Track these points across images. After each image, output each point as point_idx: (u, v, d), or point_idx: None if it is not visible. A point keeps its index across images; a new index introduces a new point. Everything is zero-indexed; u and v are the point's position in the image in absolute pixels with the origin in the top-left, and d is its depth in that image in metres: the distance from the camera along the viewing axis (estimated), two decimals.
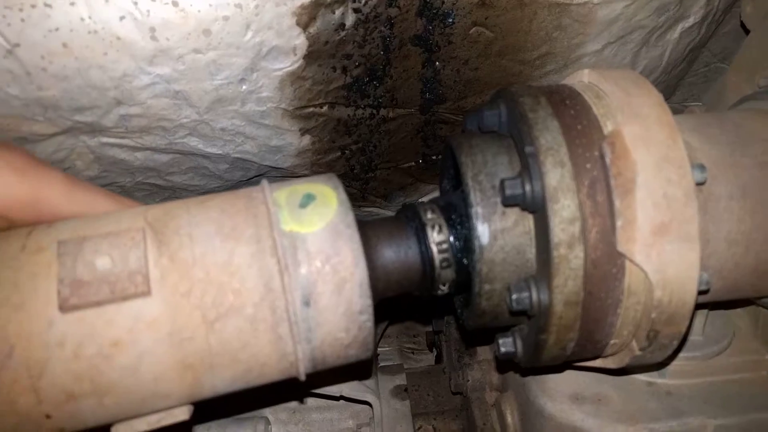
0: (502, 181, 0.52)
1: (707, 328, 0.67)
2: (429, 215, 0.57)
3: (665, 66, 0.89)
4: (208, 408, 0.53)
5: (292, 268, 0.48)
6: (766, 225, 0.57)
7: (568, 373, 0.65)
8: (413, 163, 0.93)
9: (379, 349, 1.12)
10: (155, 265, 0.46)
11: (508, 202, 0.52)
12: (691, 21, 0.85)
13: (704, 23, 0.87)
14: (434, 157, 0.93)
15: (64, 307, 0.44)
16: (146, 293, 0.45)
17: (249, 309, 0.47)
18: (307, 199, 0.51)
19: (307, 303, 0.48)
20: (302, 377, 0.51)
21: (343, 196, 0.53)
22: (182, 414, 0.49)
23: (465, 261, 0.56)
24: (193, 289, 0.46)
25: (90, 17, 0.63)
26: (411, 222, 0.57)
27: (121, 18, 0.63)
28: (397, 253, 0.55)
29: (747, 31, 0.82)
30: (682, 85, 1.02)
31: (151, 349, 0.45)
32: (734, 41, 0.95)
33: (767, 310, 0.67)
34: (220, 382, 0.49)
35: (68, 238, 0.47)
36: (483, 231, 0.53)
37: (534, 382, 0.66)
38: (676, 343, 0.53)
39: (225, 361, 0.47)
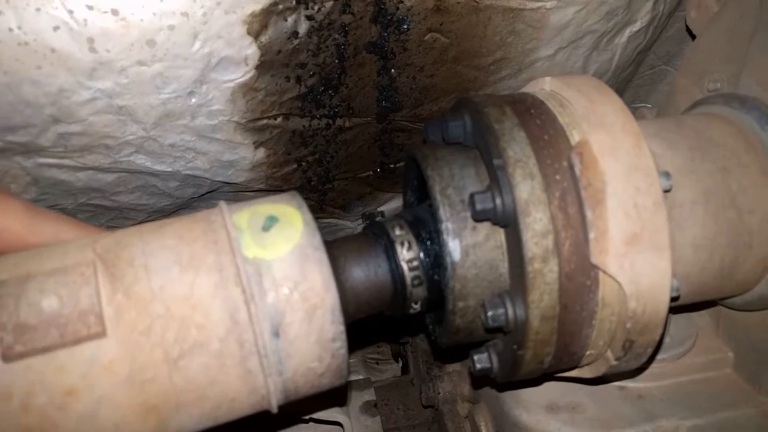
0: (472, 196, 0.51)
1: (672, 330, 0.68)
2: (397, 231, 0.55)
3: (614, 69, 0.91)
4: None
5: (258, 298, 0.45)
6: (728, 229, 0.58)
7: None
8: (371, 173, 0.91)
9: None
10: (109, 302, 0.42)
11: (478, 217, 0.51)
12: (638, 25, 0.86)
13: (650, 27, 0.88)
14: (392, 166, 0.91)
15: (8, 356, 0.40)
16: (100, 334, 0.41)
17: (215, 344, 0.44)
18: (270, 222, 0.49)
19: (276, 334, 0.45)
20: (274, 410, 0.48)
21: (308, 216, 0.50)
22: None
23: (436, 277, 0.54)
24: (153, 326, 0.42)
25: (19, 28, 0.58)
26: (379, 239, 0.55)
27: (55, 28, 0.59)
28: (366, 272, 0.53)
29: (692, 35, 0.84)
30: (630, 87, 1.04)
31: (110, 394, 0.42)
32: (677, 44, 0.98)
33: (728, 309, 0.69)
34: (188, 421, 0.46)
35: (8, 278, 0.42)
36: (454, 247, 0.52)
37: (508, 393, 0.65)
38: (650, 350, 0.53)
39: (191, 400, 0.44)
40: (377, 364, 1.10)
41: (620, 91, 1.02)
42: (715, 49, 0.74)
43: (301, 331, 0.46)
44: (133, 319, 0.42)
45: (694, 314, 0.73)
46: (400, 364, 1.09)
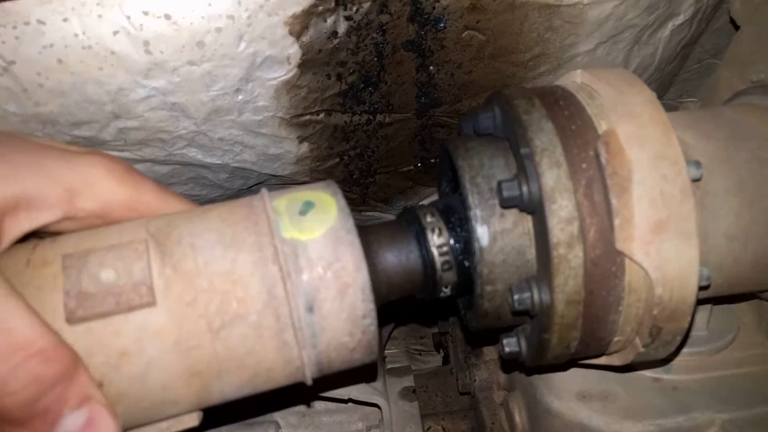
0: (500, 183, 0.52)
1: (712, 323, 0.67)
2: (428, 219, 0.57)
3: (658, 64, 0.90)
4: (218, 413, 0.53)
5: (294, 275, 0.48)
6: (763, 219, 0.57)
7: (574, 371, 0.65)
8: (412, 167, 0.93)
9: (386, 351, 1.12)
10: (159, 275, 0.46)
11: (506, 204, 0.53)
12: (681, 18, 0.85)
13: (695, 20, 0.87)
14: (432, 161, 0.93)
15: (71, 319, 0.44)
16: (151, 303, 0.45)
17: (253, 316, 0.47)
18: (307, 207, 0.52)
19: (310, 309, 0.48)
20: (309, 381, 0.51)
21: (342, 202, 0.53)
22: (191, 420, 0.50)
23: (466, 263, 0.56)
24: (198, 298, 0.46)
25: (84, 33, 0.63)
26: (411, 226, 0.57)
27: (115, 33, 0.64)
28: (398, 257, 0.56)
29: (736, 27, 0.82)
30: (676, 81, 1.02)
31: (158, 358, 0.45)
32: (726, 37, 0.96)
33: None
34: (228, 388, 0.49)
35: (72, 252, 0.47)
36: (482, 233, 0.54)
37: (540, 380, 0.66)
38: (679, 338, 0.53)
39: (232, 368, 0.48)
40: (420, 355, 1.12)
41: (666, 86, 1.01)
42: (758, 40, 0.72)
43: (334, 307, 0.48)
44: (180, 291, 0.46)
45: (737, 309, 0.72)
46: (442, 354, 1.10)
